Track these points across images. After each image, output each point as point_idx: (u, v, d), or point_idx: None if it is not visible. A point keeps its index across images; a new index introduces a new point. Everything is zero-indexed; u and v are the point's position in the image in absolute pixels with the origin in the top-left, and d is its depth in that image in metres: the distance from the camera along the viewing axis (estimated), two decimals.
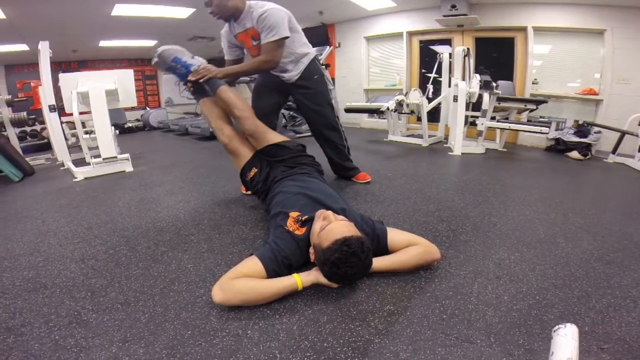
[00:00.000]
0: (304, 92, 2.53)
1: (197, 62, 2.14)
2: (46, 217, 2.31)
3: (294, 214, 1.49)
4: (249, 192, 2.39)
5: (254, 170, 2.03)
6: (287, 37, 2.22)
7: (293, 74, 2.45)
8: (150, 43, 7.46)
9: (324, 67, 5.74)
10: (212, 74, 2.09)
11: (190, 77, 2.09)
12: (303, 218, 1.46)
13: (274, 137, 2.09)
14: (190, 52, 2.20)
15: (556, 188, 2.79)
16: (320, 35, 6.53)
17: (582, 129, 4.32)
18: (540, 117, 4.83)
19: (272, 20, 2.14)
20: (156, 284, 1.43)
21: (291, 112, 5.70)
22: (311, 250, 1.37)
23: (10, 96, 4.37)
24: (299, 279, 1.28)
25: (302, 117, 5.14)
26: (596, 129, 4.26)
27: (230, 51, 2.50)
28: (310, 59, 2.49)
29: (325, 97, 2.61)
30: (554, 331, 0.74)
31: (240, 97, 2.13)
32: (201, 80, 2.09)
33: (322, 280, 1.29)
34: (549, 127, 3.88)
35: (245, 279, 1.25)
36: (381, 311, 1.22)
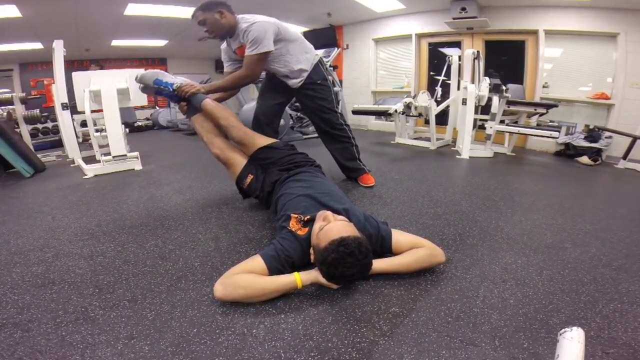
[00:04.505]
0: (308, 97, 2.57)
1: (179, 80, 2.21)
2: (56, 213, 2.35)
3: (296, 215, 1.50)
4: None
5: (250, 177, 2.06)
6: (268, 52, 2.23)
7: (295, 81, 2.48)
8: (161, 43, 7.54)
9: (332, 68, 5.78)
10: (194, 89, 2.19)
11: (175, 93, 2.17)
12: (305, 218, 1.47)
13: (263, 141, 2.12)
14: (170, 74, 2.27)
15: (565, 193, 2.76)
16: (328, 36, 6.52)
17: (592, 134, 4.27)
18: (550, 121, 4.78)
19: (254, 35, 2.18)
20: (163, 282, 1.45)
21: (298, 114, 5.71)
22: (311, 250, 1.38)
23: (24, 94, 4.45)
24: (298, 277, 1.29)
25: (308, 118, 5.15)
26: (607, 134, 4.20)
27: (230, 64, 2.52)
28: (313, 64, 2.49)
29: (328, 102, 2.59)
30: (560, 334, 0.74)
31: (224, 108, 2.21)
32: (186, 96, 2.18)
33: (322, 280, 1.29)
34: (558, 132, 3.83)
35: (246, 275, 1.27)
36: (386, 313, 1.22)
